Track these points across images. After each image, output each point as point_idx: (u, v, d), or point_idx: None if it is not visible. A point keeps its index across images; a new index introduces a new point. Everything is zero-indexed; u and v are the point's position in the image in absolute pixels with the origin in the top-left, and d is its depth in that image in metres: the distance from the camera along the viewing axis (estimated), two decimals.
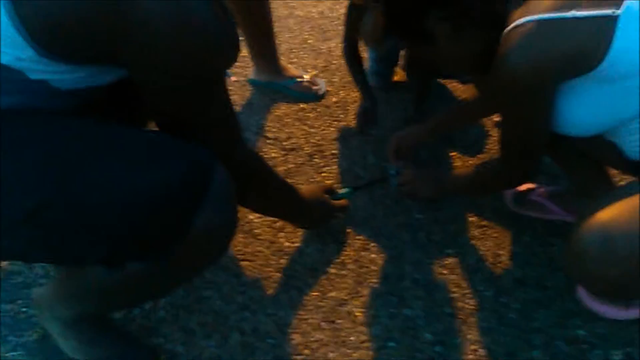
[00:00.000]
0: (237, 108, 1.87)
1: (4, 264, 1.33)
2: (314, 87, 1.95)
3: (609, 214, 0.92)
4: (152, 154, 0.88)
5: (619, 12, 0.91)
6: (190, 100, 0.91)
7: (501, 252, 1.38)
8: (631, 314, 1.20)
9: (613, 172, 1.34)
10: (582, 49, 0.93)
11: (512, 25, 0.99)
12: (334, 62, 2.12)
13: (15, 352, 1.17)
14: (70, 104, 0.90)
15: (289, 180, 1.36)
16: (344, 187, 1.53)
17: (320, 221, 1.42)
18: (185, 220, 0.89)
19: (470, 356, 1.17)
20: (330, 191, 1.45)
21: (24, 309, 1.25)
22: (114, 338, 1.14)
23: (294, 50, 2.20)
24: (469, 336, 1.21)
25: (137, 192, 0.85)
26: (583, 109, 1.01)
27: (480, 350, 1.18)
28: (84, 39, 0.81)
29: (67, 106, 0.90)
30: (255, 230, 1.46)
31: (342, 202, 1.46)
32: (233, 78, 1.99)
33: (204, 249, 0.97)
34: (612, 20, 0.91)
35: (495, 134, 1.75)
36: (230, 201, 0.96)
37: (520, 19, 0.97)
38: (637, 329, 1.20)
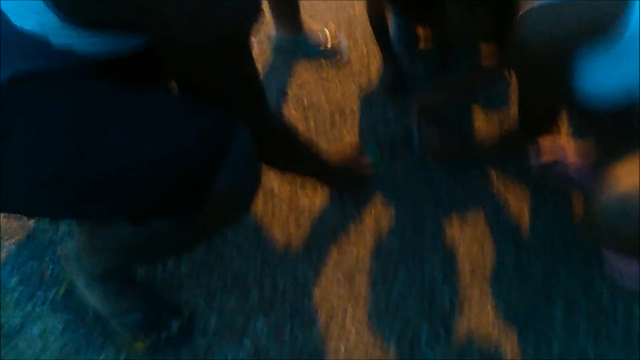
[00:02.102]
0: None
1: (29, 222, 1.37)
2: (335, 43, 1.91)
3: (628, 178, 0.89)
4: (173, 115, 0.89)
5: None
6: (213, 64, 0.89)
7: (524, 208, 1.36)
8: None
9: None
10: (600, 24, 0.90)
11: (529, 4, 0.95)
12: (357, 16, 2.07)
13: (41, 307, 1.21)
14: (93, 68, 0.90)
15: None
16: (368, 145, 1.51)
17: (351, 180, 1.42)
18: (206, 181, 0.90)
19: (490, 312, 1.17)
20: (357, 149, 1.44)
21: (50, 266, 1.28)
22: (139, 292, 1.17)
23: (314, 4, 2.15)
24: (488, 292, 1.21)
25: (158, 154, 0.85)
26: (608, 83, 0.98)
27: (500, 306, 1.18)
28: (106, 7, 0.81)
29: (90, 70, 0.90)
30: (275, 189, 1.46)
31: (369, 159, 1.44)
32: (253, 39, 1.97)
33: (225, 209, 0.98)
34: None
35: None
36: (252, 162, 0.96)
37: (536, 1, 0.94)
38: None
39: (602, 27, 0.90)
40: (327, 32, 1.93)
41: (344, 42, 1.92)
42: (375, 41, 1.76)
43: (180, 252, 1.25)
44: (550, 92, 1.06)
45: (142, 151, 0.85)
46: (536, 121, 1.16)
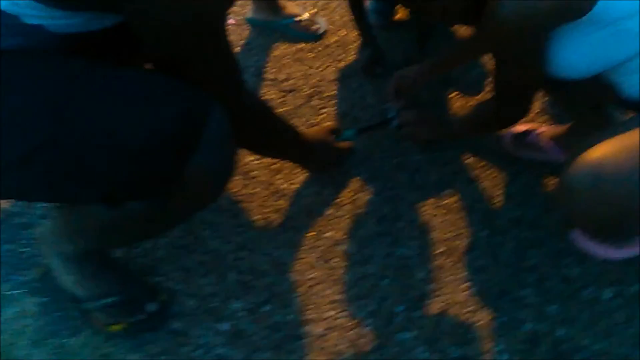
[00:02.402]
0: (235, 48, 1.85)
1: (4, 205, 1.35)
2: (314, 26, 1.91)
3: (600, 151, 0.91)
4: (148, 95, 0.88)
5: None
6: (188, 45, 0.89)
7: (498, 192, 1.38)
8: (623, 253, 1.21)
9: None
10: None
11: None
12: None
13: (17, 290, 1.20)
14: (66, 46, 0.89)
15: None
16: (347, 129, 1.52)
17: (329, 164, 1.43)
18: (181, 162, 0.90)
19: (463, 293, 1.20)
20: (335, 132, 1.44)
21: (25, 249, 1.28)
22: (115, 274, 1.17)
23: None
24: (462, 274, 1.23)
25: (133, 134, 0.85)
26: (578, 52, 1.00)
27: (473, 288, 1.21)
28: None
29: (63, 48, 0.89)
30: (253, 172, 1.46)
31: (347, 143, 1.45)
32: (231, 21, 1.95)
33: (200, 190, 0.98)
34: None
35: None
36: (227, 143, 0.96)
37: None
38: (629, 268, 1.21)
39: (575, 3, 0.92)
40: (307, 15, 1.92)
41: (323, 26, 1.92)
42: (354, 24, 1.76)
43: (156, 234, 1.25)
44: (526, 70, 1.08)
45: (117, 131, 0.84)
46: (512, 103, 1.18)
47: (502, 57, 1.09)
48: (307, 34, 1.89)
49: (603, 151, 0.91)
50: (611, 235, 1.14)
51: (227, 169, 1.01)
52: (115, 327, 1.15)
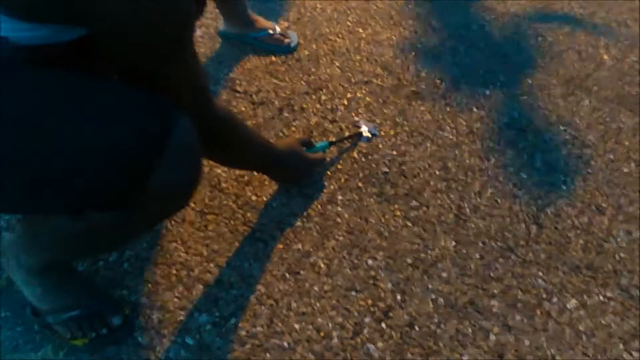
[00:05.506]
0: (206, 61, 1.85)
1: None
2: (285, 40, 1.92)
3: None
4: (113, 105, 0.87)
5: None
6: (155, 57, 0.89)
7: (464, 204, 1.40)
8: None
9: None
10: None
11: None
12: (307, 14, 2.08)
13: None
14: (32, 58, 0.88)
15: None
16: (319, 143, 1.52)
17: (299, 174, 1.43)
18: (144, 174, 0.89)
19: (430, 305, 1.20)
20: (306, 143, 1.45)
21: None
22: (79, 287, 1.15)
23: (265, 1, 2.15)
24: (429, 286, 1.23)
25: (96, 145, 0.84)
26: None
27: (440, 299, 1.21)
28: (54, 2, 0.80)
29: (29, 60, 0.88)
30: (222, 184, 1.45)
31: (318, 155, 1.46)
32: (198, 32, 1.95)
33: (164, 202, 0.97)
34: None
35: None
36: (192, 154, 0.96)
37: None
38: (591, 278, 1.23)
39: None
40: (278, 29, 1.93)
41: (295, 40, 1.93)
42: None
43: (118, 245, 1.23)
44: None
45: (80, 142, 0.83)
46: None
47: None
48: (278, 47, 1.90)
49: None
50: None
51: (192, 179, 1.00)
52: (78, 342, 1.12)
